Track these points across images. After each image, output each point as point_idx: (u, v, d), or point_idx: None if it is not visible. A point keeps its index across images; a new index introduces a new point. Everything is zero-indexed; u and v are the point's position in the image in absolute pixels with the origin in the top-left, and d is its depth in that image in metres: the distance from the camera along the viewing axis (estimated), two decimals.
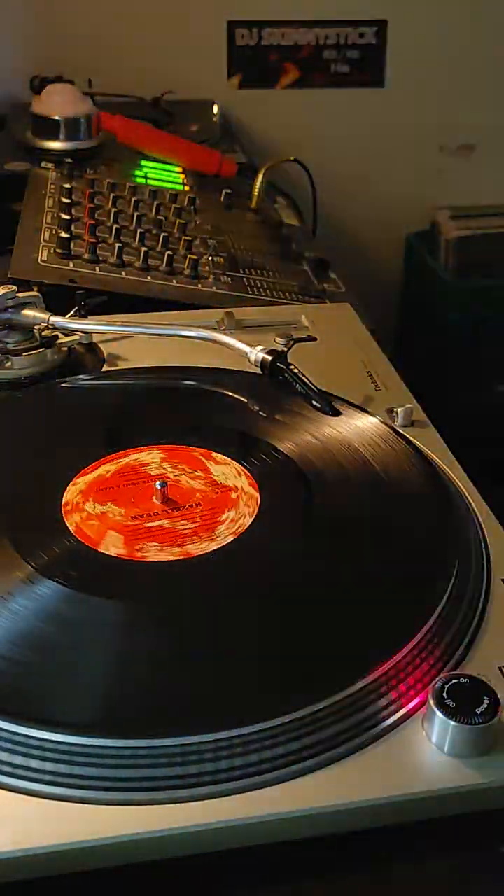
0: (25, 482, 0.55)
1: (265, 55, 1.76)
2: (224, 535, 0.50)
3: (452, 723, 0.38)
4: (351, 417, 0.61)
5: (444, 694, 0.39)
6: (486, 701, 0.39)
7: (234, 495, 0.53)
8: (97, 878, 0.36)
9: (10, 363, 0.68)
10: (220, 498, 0.53)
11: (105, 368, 0.70)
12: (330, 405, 0.61)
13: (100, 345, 0.72)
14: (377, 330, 0.79)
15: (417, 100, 1.84)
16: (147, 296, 0.83)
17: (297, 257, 0.99)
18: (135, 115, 1.30)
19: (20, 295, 0.70)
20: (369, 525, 0.51)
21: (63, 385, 0.66)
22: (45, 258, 0.86)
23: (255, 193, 1.13)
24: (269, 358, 0.65)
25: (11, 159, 1.18)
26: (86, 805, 0.37)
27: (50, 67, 1.37)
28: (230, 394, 0.64)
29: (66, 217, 0.94)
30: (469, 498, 0.55)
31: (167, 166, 1.21)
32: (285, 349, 0.66)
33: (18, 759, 0.38)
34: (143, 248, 0.88)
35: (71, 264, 0.85)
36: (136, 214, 0.98)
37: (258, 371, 0.66)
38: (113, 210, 0.98)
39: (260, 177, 1.13)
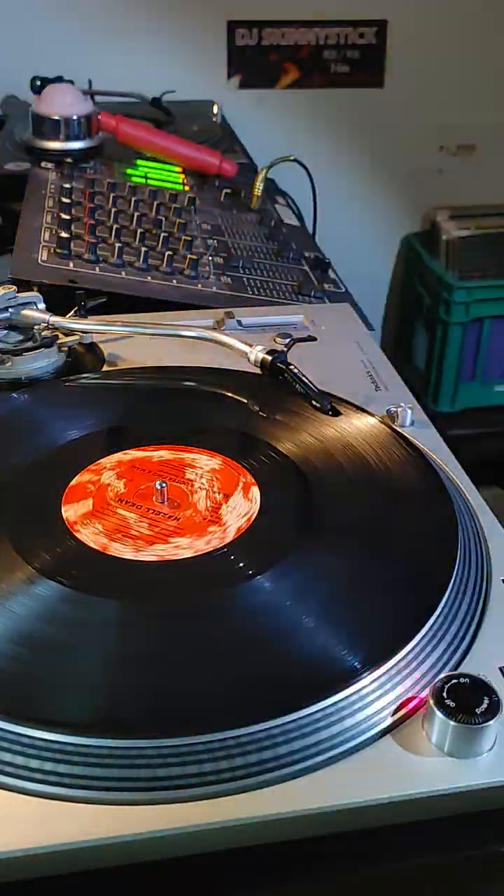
0: (26, 482, 0.55)
1: (265, 55, 1.76)
2: (224, 535, 0.50)
3: (452, 723, 0.38)
4: (351, 417, 0.61)
5: (444, 694, 0.39)
6: (486, 701, 0.39)
7: (234, 495, 0.53)
8: (97, 878, 0.36)
9: (10, 363, 0.68)
10: (220, 498, 0.53)
11: (105, 368, 0.70)
12: (330, 405, 0.61)
13: (100, 345, 0.72)
14: (377, 330, 0.79)
15: (417, 100, 1.84)
16: (147, 296, 0.83)
17: (297, 257, 0.99)
18: (135, 115, 1.30)
19: (20, 295, 0.70)
20: (369, 525, 0.51)
21: (63, 385, 0.66)
22: (45, 258, 0.86)
23: (255, 193, 1.13)
24: (269, 358, 0.65)
25: (11, 159, 1.18)
26: (86, 805, 0.37)
27: (50, 67, 1.37)
28: (230, 394, 0.64)
29: (66, 217, 0.94)
30: (469, 498, 0.55)
31: (167, 166, 1.21)
32: (285, 349, 0.66)
33: (18, 759, 0.38)
34: (143, 248, 0.88)
35: (71, 264, 0.85)
36: (136, 214, 0.98)
37: (258, 371, 0.66)
38: (113, 210, 0.98)
39: (260, 177, 1.13)
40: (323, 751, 0.39)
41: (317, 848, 0.38)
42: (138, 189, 1.06)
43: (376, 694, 0.41)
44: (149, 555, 0.49)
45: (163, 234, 0.93)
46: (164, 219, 0.99)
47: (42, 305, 0.71)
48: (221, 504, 0.53)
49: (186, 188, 1.15)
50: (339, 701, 0.40)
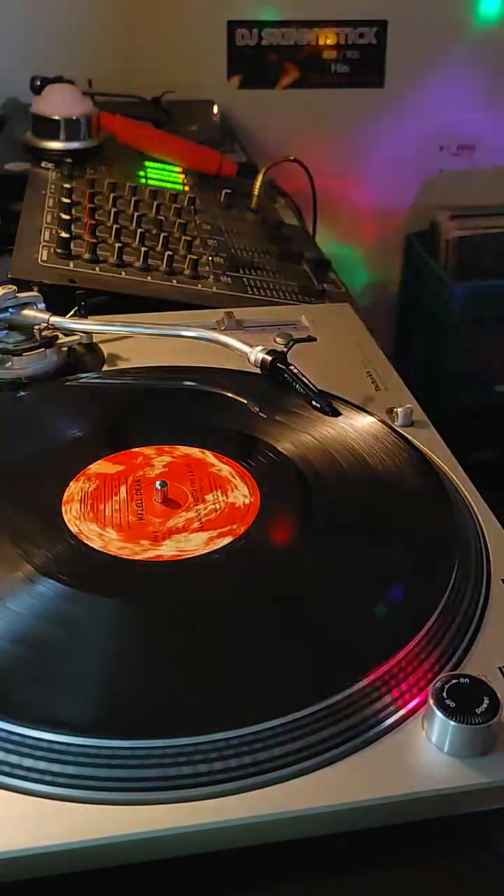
0: (26, 481, 0.55)
1: (265, 55, 1.76)
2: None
3: (452, 723, 0.38)
4: (351, 417, 0.61)
5: (444, 694, 0.39)
6: (486, 701, 0.39)
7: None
8: (97, 878, 0.36)
9: (10, 363, 0.68)
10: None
11: (105, 368, 0.70)
12: (330, 405, 0.61)
13: (100, 345, 0.72)
14: (377, 330, 0.79)
15: (417, 100, 1.84)
16: (147, 296, 0.83)
17: (297, 257, 0.99)
18: (135, 115, 1.30)
19: (20, 295, 0.70)
20: (369, 525, 0.51)
21: (63, 385, 0.66)
22: (45, 258, 0.86)
23: (255, 193, 1.13)
24: (269, 358, 0.65)
25: (11, 159, 1.18)
26: (86, 805, 0.37)
27: (50, 67, 1.37)
28: (230, 394, 0.64)
29: (66, 217, 0.94)
30: (469, 498, 0.55)
31: (167, 166, 1.21)
32: (285, 349, 0.66)
33: (18, 759, 0.38)
34: (143, 248, 0.88)
35: (71, 264, 0.85)
36: (136, 214, 0.98)
37: (258, 371, 0.66)
38: (113, 210, 0.98)
39: (260, 177, 1.13)
40: (323, 751, 0.39)
41: (317, 848, 0.38)
42: (138, 189, 1.06)
43: (376, 694, 0.41)
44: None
45: (163, 235, 0.93)
46: (164, 219, 0.99)
47: (42, 305, 0.71)
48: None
49: (186, 188, 1.15)
50: (339, 701, 0.40)
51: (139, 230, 0.92)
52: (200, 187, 1.16)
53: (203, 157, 1.23)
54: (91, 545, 0.49)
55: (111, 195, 1.02)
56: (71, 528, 0.50)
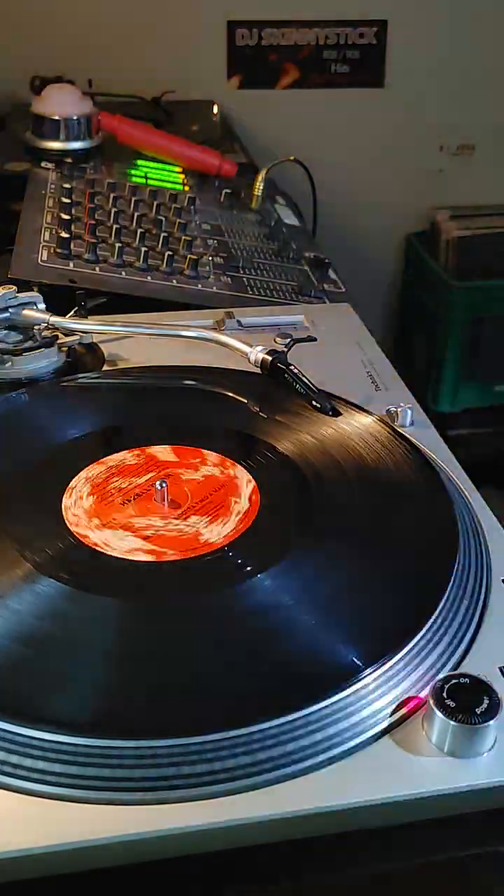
0: (26, 481, 0.55)
1: (265, 55, 1.76)
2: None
3: (452, 723, 0.38)
4: (351, 417, 0.61)
5: (444, 694, 0.39)
6: (486, 701, 0.39)
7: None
8: (97, 878, 0.36)
9: (10, 363, 0.68)
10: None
11: (105, 368, 0.70)
12: (330, 405, 0.61)
13: (100, 345, 0.72)
14: (377, 330, 0.79)
15: (417, 100, 1.84)
16: (147, 296, 0.83)
17: (297, 257, 0.99)
18: (135, 115, 1.30)
19: (20, 295, 0.70)
20: (369, 525, 0.51)
21: (63, 385, 0.66)
22: (45, 258, 0.86)
23: (255, 193, 1.13)
24: (269, 358, 0.65)
25: (11, 159, 1.18)
26: (86, 805, 0.37)
27: (50, 67, 1.37)
28: (230, 394, 0.64)
29: (66, 217, 0.94)
30: (469, 498, 0.55)
31: (167, 166, 1.21)
32: (285, 349, 0.66)
33: (18, 759, 0.38)
34: (143, 248, 0.88)
35: (71, 264, 0.85)
36: (135, 214, 0.98)
37: (258, 371, 0.66)
38: (113, 210, 0.98)
39: (260, 177, 1.13)
40: (323, 751, 0.39)
41: (317, 848, 0.38)
42: (138, 189, 1.06)
43: (376, 694, 0.41)
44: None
45: (163, 235, 0.93)
46: (164, 219, 0.99)
47: (42, 305, 0.71)
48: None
49: (186, 188, 1.15)
50: (339, 701, 0.40)
51: (139, 230, 0.92)
52: (200, 187, 1.16)
53: (203, 157, 1.23)
54: (91, 545, 0.49)
55: (111, 195, 1.02)
56: (71, 528, 0.50)
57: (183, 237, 0.94)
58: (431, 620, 0.44)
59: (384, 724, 0.40)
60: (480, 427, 1.87)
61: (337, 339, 0.75)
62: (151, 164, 1.21)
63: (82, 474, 0.55)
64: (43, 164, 1.14)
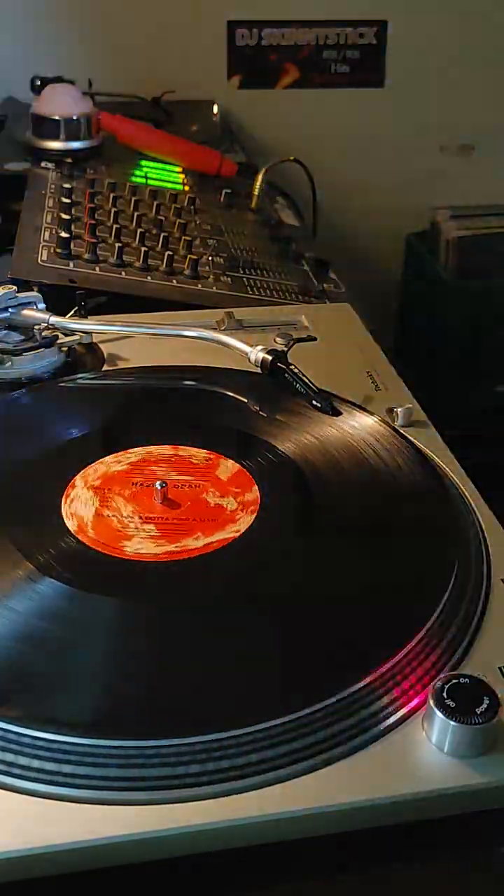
0: (26, 481, 0.55)
1: (265, 55, 1.76)
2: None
3: (452, 723, 0.38)
4: (351, 417, 0.61)
5: (444, 694, 0.39)
6: (486, 701, 0.39)
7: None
8: (97, 878, 0.36)
9: (10, 363, 0.68)
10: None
11: (105, 368, 0.70)
12: (330, 405, 0.61)
13: (100, 345, 0.72)
14: (377, 330, 0.79)
15: (417, 100, 1.84)
16: (147, 296, 0.83)
17: (297, 257, 0.99)
18: (135, 115, 1.30)
19: (20, 295, 0.70)
20: (369, 525, 0.51)
21: (63, 385, 0.66)
22: (45, 258, 0.86)
23: (255, 193, 1.13)
24: (269, 358, 0.65)
25: (11, 159, 1.18)
26: (86, 805, 0.37)
27: (50, 67, 1.37)
28: (230, 394, 0.64)
29: (66, 217, 0.94)
30: (469, 498, 0.55)
31: (167, 166, 1.21)
32: (285, 349, 0.66)
33: (18, 759, 0.38)
34: (143, 248, 0.88)
35: (71, 264, 0.85)
36: (136, 214, 0.98)
37: (258, 371, 0.66)
38: (113, 210, 0.98)
39: (260, 177, 1.13)
40: (323, 751, 0.39)
41: (317, 848, 0.38)
42: (138, 189, 1.06)
43: (376, 694, 0.41)
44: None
45: (163, 235, 0.93)
46: (164, 219, 0.99)
47: (42, 305, 0.71)
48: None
49: (186, 188, 1.15)
50: (339, 700, 0.40)
51: (139, 230, 0.92)
52: (200, 187, 1.16)
53: (203, 157, 1.23)
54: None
55: (111, 195, 1.02)
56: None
57: (183, 237, 0.94)
58: (431, 620, 0.44)
59: (384, 724, 0.40)
60: (480, 427, 1.87)
61: (337, 339, 0.75)
62: (151, 164, 1.21)
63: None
64: (43, 164, 1.14)
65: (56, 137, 1.18)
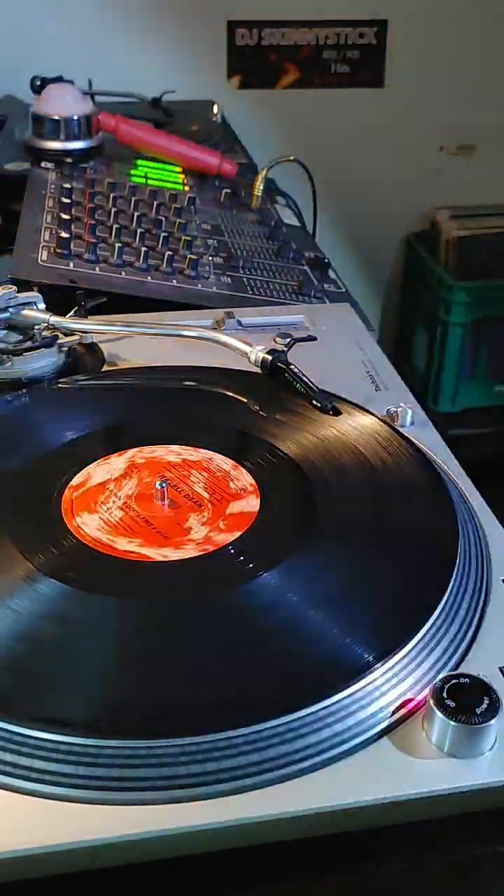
0: (26, 481, 0.55)
1: (265, 55, 1.76)
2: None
3: (452, 723, 0.38)
4: (351, 417, 0.61)
5: (444, 694, 0.39)
6: (486, 701, 0.39)
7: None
8: (97, 878, 0.36)
9: (10, 363, 0.68)
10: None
11: (105, 368, 0.70)
12: (330, 404, 0.61)
13: (100, 345, 0.72)
14: (377, 330, 0.79)
15: (417, 100, 1.84)
16: (147, 296, 0.83)
17: (297, 257, 0.99)
18: (135, 115, 1.30)
19: (20, 295, 0.70)
20: (369, 525, 0.51)
21: (63, 385, 0.66)
22: (45, 258, 0.86)
23: (255, 193, 1.13)
24: (269, 358, 0.65)
25: (11, 159, 1.18)
26: (86, 805, 0.37)
27: (50, 67, 1.37)
28: (230, 394, 0.64)
29: (66, 217, 0.94)
30: (469, 498, 0.55)
31: (167, 166, 1.21)
32: (285, 349, 0.66)
33: (18, 759, 0.38)
34: (143, 248, 0.88)
35: (71, 264, 0.85)
36: (135, 214, 0.98)
37: (258, 371, 0.66)
38: (113, 210, 0.98)
39: (260, 177, 1.13)
40: (323, 751, 0.39)
41: (317, 848, 0.38)
42: (138, 189, 1.06)
43: (376, 694, 0.41)
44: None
45: (163, 234, 0.93)
46: (164, 219, 0.99)
47: (42, 305, 0.71)
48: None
49: (186, 188, 1.15)
50: (339, 701, 0.40)
51: (139, 230, 0.92)
52: (200, 187, 1.16)
53: (203, 157, 1.23)
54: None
55: (111, 195, 1.02)
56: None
57: (183, 237, 0.94)
58: (431, 620, 0.44)
59: (384, 724, 0.40)
60: (480, 427, 1.87)
61: (337, 339, 0.75)
62: (151, 164, 1.21)
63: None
64: (43, 164, 1.14)
65: (56, 137, 1.18)
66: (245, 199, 1.14)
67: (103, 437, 0.60)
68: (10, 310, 0.69)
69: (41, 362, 0.68)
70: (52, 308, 0.71)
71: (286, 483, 0.54)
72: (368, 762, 0.39)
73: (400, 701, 0.41)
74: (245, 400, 0.63)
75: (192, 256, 0.89)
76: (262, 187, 1.13)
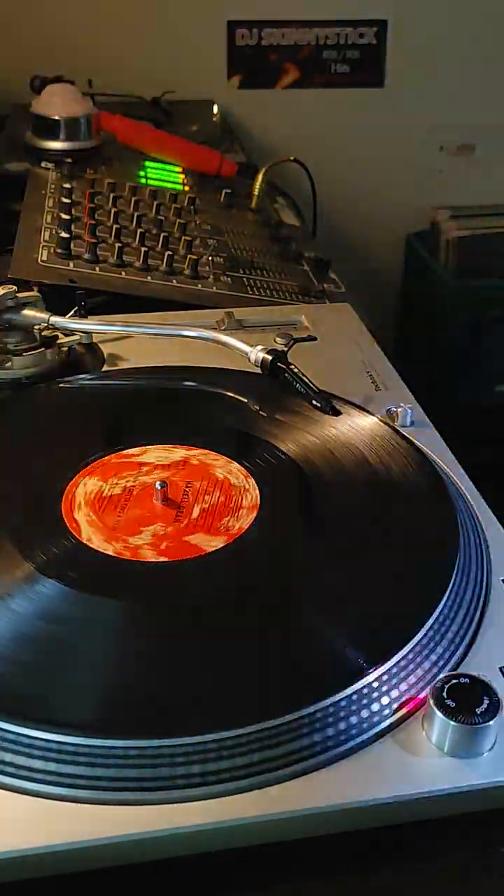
0: (26, 482, 0.55)
1: (265, 55, 1.76)
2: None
3: (452, 723, 0.38)
4: (351, 417, 0.61)
5: (444, 694, 0.39)
6: (486, 701, 0.39)
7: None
8: (97, 878, 0.36)
9: (10, 363, 0.68)
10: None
11: (105, 368, 0.70)
12: (330, 405, 0.61)
13: (100, 345, 0.72)
14: (377, 330, 0.79)
15: (417, 100, 1.84)
16: (147, 296, 0.83)
17: (297, 257, 0.99)
18: (135, 115, 1.30)
19: (20, 295, 0.70)
20: (369, 525, 0.51)
21: (63, 385, 0.66)
22: (45, 258, 0.86)
23: (255, 193, 1.13)
24: (269, 358, 0.65)
25: (11, 159, 1.18)
26: (86, 805, 0.37)
27: (50, 67, 1.37)
28: (230, 394, 0.64)
29: (66, 217, 0.94)
30: (469, 498, 0.55)
31: (167, 166, 1.21)
32: (285, 349, 0.66)
33: (19, 759, 0.38)
34: (143, 248, 0.88)
35: (71, 264, 0.85)
36: (136, 214, 0.98)
37: (258, 371, 0.66)
38: (113, 210, 0.98)
39: (260, 177, 1.13)
40: (323, 751, 0.39)
41: (316, 848, 0.38)
42: (138, 189, 1.06)
43: (376, 694, 0.41)
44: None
45: (163, 235, 0.93)
46: (164, 219, 0.99)
47: (42, 305, 0.71)
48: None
49: (186, 188, 1.15)
50: (339, 701, 0.40)
51: (139, 230, 0.92)
52: (200, 187, 1.16)
53: (203, 157, 1.23)
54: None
55: (111, 195, 1.02)
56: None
57: (183, 237, 0.94)
58: (431, 620, 0.44)
59: (384, 724, 0.40)
60: (480, 427, 1.86)
61: (337, 339, 0.75)
62: (151, 164, 1.21)
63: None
64: (43, 164, 1.14)
65: (56, 137, 1.18)
66: (245, 199, 1.14)
67: (103, 437, 0.60)
68: (10, 310, 0.69)
69: (41, 362, 0.68)
70: (52, 308, 0.71)
71: (286, 483, 0.54)
72: (368, 762, 0.39)
73: (400, 701, 0.41)
74: (245, 400, 0.63)
75: (193, 256, 0.89)
76: (262, 187, 1.13)
